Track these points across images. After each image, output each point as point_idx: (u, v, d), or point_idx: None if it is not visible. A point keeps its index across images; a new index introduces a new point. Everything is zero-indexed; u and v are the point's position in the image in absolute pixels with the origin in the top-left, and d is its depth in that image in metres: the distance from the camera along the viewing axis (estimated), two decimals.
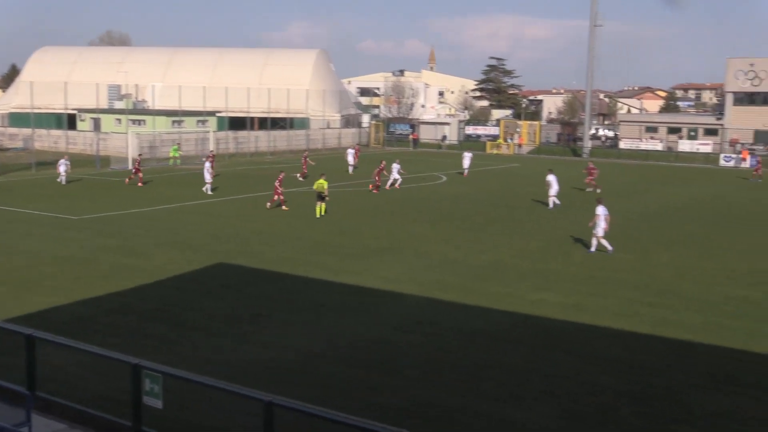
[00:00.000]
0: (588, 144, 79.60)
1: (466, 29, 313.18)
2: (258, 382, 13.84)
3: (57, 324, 17.10)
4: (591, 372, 14.91)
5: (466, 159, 53.55)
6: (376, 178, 42.97)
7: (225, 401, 11.96)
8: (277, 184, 35.64)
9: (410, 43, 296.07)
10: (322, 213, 32.99)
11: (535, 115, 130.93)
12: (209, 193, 40.00)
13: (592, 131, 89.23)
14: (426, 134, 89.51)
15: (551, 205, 37.23)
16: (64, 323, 17.28)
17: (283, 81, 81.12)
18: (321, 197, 33.00)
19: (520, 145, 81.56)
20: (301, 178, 47.08)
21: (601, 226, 26.31)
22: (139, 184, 43.62)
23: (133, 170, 44.91)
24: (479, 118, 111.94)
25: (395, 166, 44.70)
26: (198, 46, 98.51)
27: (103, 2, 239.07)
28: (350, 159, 53.90)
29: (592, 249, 26.47)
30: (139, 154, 47.12)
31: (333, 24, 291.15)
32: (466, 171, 53.09)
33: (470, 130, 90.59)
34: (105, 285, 20.86)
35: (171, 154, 57.37)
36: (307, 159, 49.97)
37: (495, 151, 78.78)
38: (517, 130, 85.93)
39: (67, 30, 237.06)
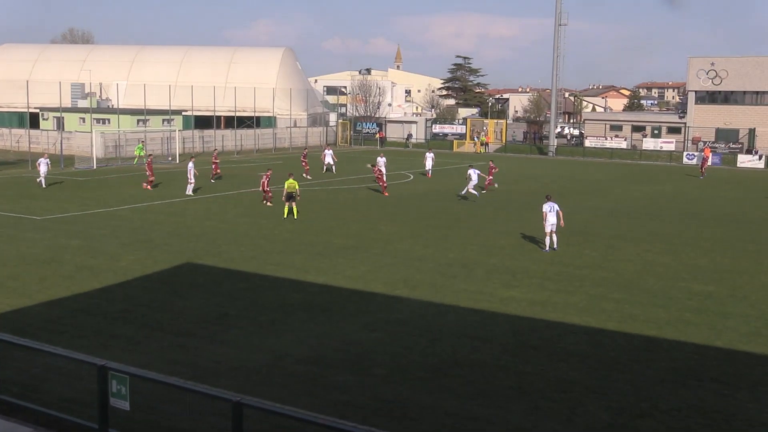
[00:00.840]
0: (553, 142, 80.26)
1: (432, 28, 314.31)
2: (226, 382, 13.77)
3: (21, 326, 16.85)
4: (559, 368, 15.03)
5: (428, 160, 52.39)
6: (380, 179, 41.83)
7: (193, 402, 11.87)
8: (264, 181, 35.63)
9: (376, 41, 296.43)
10: (293, 214, 32.37)
11: (501, 114, 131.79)
12: (189, 193, 39.34)
13: (558, 129, 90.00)
14: (393, 133, 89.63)
15: (467, 191, 39.39)
16: (28, 325, 17.03)
17: (249, 79, 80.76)
18: (291, 197, 32.58)
19: (486, 144, 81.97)
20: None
21: (549, 222, 26.22)
22: (148, 186, 41.54)
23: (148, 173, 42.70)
24: (446, 116, 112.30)
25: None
26: (163, 44, 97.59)
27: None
28: (328, 159, 52.89)
29: (546, 248, 26.51)
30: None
31: (299, 22, 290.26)
32: (429, 172, 52.14)
33: (437, 128, 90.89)
34: (70, 286, 20.60)
35: (136, 153, 56.82)
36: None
37: (481, 151, 79.40)
38: (484, 128, 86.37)
39: (29, 27, 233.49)
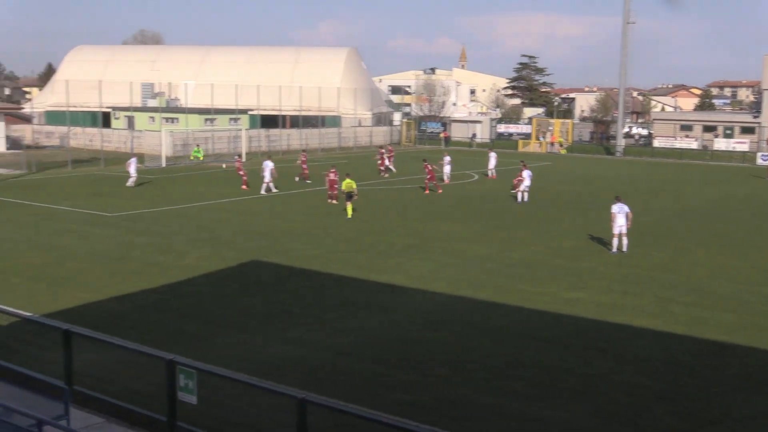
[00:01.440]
0: (621, 142, 78.88)
1: (497, 27, 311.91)
2: (291, 379, 13.90)
3: (92, 320, 17.30)
4: (626, 372, 14.76)
5: (492, 159, 51.48)
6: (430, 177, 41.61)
7: (258, 398, 12.01)
8: (332, 179, 36.59)
9: (441, 40, 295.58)
10: (351, 212, 32.69)
11: (567, 114, 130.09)
12: (263, 192, 39.48)
13: (626, 129, 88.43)
14: (457, 132, 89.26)
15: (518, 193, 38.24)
16: (99, 319, 17.49)
17: (314, 79, 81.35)
18: (350, 196, 32.86)
19: (552, 144, 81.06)
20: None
21: (617, 224, 25.76)
22: (245, 186, 41.60)
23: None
24: (511, 116, 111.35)
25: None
26: (230, 45, 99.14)
27: (136, 1, 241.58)
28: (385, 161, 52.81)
29: (614, 249, 26.00)
30: (237, 157, 45.85)
31: (364, 22, 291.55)
32: (491, 172, 51.13)
33: (502, 128, 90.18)
34: (139, 281, 21.07)
35: (192, 156, 56.89)
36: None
37: (563, 151, 78.46)
38: (549, 128, 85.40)
39: (102, 29, 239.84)
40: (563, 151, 78.51)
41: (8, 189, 40.12)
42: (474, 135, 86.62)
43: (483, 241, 27.80)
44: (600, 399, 13.44)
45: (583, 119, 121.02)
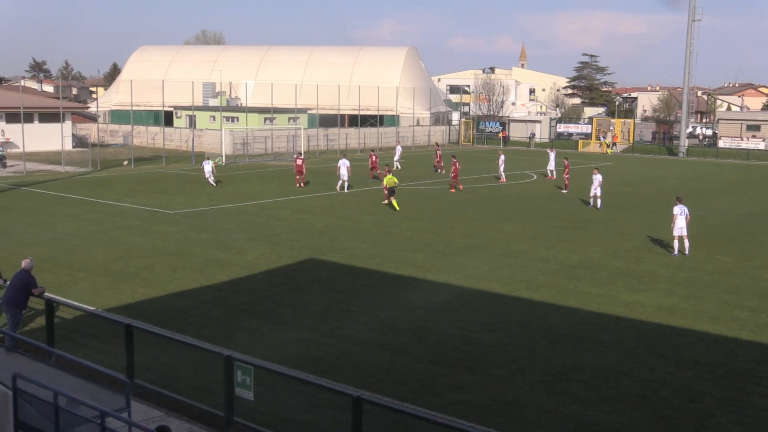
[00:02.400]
0: (684, 142, 77.32)
1: (558, 25, 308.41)
2: (346, 377, 13.95)
3: (153, 315, 17.63)
4: (688, 377, 14.44)
5: (551, 159, 50.30)
6: (453, 177, 41.68)
7: (314, 395, 12.08)
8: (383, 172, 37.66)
9: (501, 40, 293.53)
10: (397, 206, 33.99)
11: (628, 113, 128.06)
12: (343, 190, 40.27)
13: (689, 129, 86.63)
14: (516, 132, 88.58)
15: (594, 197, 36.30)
16: (160, 314, 17.80)
17: (373, 78, 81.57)
18: (392, 192, 34.33)
19: (613, 144, 79.85)
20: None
21: (678, 226, 25.34)
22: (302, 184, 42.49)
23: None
24: (571, 115, 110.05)
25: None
26: (290, 45, 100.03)
27: (198, 2, 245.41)
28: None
29: (675, 252, 25.51)
30: (300, 154, 46.39)
31: (423, 21, 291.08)
32: (551, 172, 50.09)
33: (562, 128, 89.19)
34: (199, 278, 21.39)
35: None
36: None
37: (609, 151, 77.40)
38: (610, 128, 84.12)
39: (165, 30, 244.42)
40: (609, 151, 77.39)
41: (74, 186, 41.15)
42: (533, 134, 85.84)
43: (542, 241, 27.50)
44: (660, 405, 13.17)
45: (645, 119, 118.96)
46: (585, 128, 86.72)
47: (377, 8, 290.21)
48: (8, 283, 15.60)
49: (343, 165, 41.18)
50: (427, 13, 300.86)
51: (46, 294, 15.59)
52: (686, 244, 25.46)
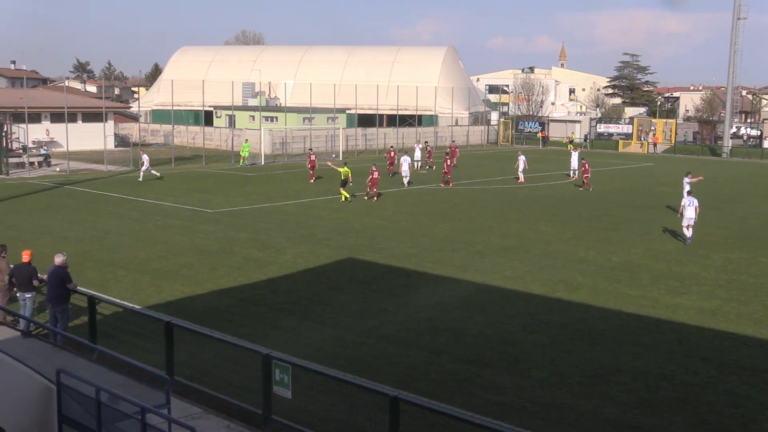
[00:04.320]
0: (728, 143, 76.08)
1: (599, 24, 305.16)
2: (383, 376, 13.96)
3: (193, 312, 17.81)
4: (730, 382, 14.20)
5: (574, 160, 49.18)
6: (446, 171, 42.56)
7: (351, 394, 12.09)
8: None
9: (540, 39, 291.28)
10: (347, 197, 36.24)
11: (670, 113, 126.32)
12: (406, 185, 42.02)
13: (733, 129, 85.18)
14: (555, 132, 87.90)
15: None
16: (199, 312, 17.97)
17: (411, 78, 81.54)
18: (344, 183, 36.32)
19: (654, 144, 78.88)
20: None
21: (687, 216, 27.11)
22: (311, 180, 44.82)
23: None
24: (611, 116, 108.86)
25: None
26: (328, 45, 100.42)
27: (238, 3, 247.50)
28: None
29: (688, 240, 27.21)
30: (336, 155, 49.02)
31: (462, 21, 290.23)
32: (573, 172, 49.23)
33: (602, 128, 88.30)
34: (238, 276, 21.56)
35: (242, 153, 55.86)
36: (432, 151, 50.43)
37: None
38: (652, 128, 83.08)
39: (205, 31, 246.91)
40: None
41: (116, 184, 41.73)
42: (572, 134, 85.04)
43: (581, 242, 27.25)
44: (703, 409, 12.96)
45: (688, 119, 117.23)
46: (626, 128, 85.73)
47: (416, 8, 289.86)
48: (46, 280, 15.79)
49: (405, 162, 43.12)
50: (467, 13, 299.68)
51: (88, 291, 15.82)
52: (690, 232, 27.20)
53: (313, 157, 45.27)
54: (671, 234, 29.13)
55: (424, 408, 10.60)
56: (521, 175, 46.46)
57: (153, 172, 44.40)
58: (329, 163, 42.46)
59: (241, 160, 55.25)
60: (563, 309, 18.88)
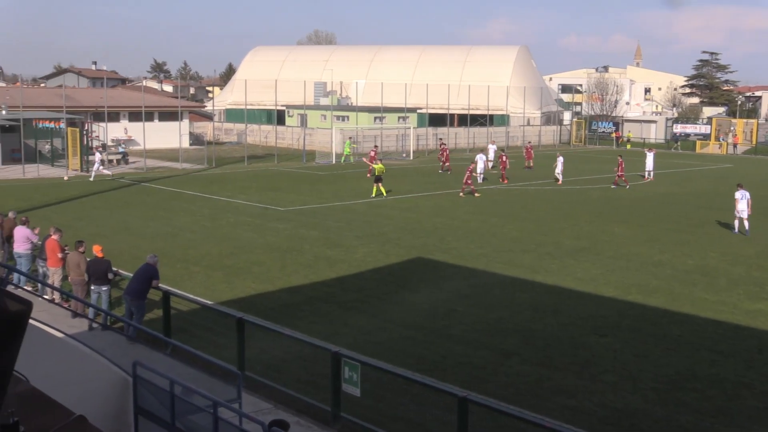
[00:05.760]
0: None
1: (676, 22, 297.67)
2: (452, 377, 13.90)
3: (264, 309, 18.04)
4: None
5: (649, 160, 48.37)
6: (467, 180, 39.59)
7: (420, 394, 12.08)
8: (468, 173, 38.61)
9: (615, 37, 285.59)
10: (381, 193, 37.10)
11: (752, 113, 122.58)
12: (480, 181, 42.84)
13: None
14: (630, 132, 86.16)
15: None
16: (270, 309, 18.19)
17: (483, 78, 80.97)
18: (379, 179, 37.34)
19: (735, 145, 76.64)
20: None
21: (739, 209, 28.81)
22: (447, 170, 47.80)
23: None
24: (688, 115, 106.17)
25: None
26: (400, 44, 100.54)
27: (311, 3, 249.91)
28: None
29: (735, 230, 28.99)
30: (444, 144, 53.18)
31: (535, 20, 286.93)
32: (649, 173, 48.16)
33: (678, 128, 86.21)
34: (308, 274, 21.75)
35: (345, 151, 57.55)
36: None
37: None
38: (731, 128, 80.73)
39: (279, 31, 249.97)
40: (629, 146, 76.24)
41: (190, 182, 42.59)
42: (628, 135, 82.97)
43: (656, 245, 26.65)
44: None
45: None
46: (704, 129, 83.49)
47: (488, 7, 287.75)
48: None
49: (480, 159, 44.40)
50: (539, 12, 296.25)
51: (163, 286, 16.20)
52: (746, 225, 28.68)
53: (372, 153, 46.01)
54: (751, 237, 28.26)
55: (493, 409, 10.52)
56: (560, 177, 45.54)
57: (104, 171, 43.37)
58: (365, 160, 43.55)
59: (343, 158, 56.76)
60: (636, 313, 18.50)
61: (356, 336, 16.34)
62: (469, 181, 38.19)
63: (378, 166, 38.23)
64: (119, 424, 7.48)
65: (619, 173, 43.06)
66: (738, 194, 29.13)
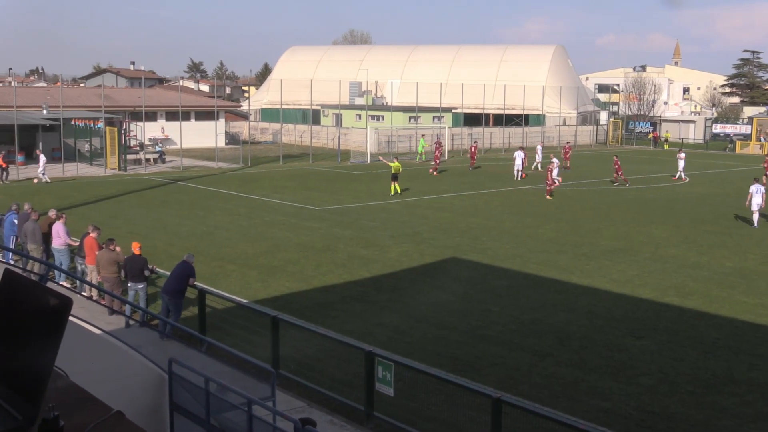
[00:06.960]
0: None
1: (716, 20, 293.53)
2: (486, 377, 13.85)
3: (298, 308, 18.12)
4: None
5: (681, 161, 47.90)
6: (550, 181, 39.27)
7: (454, 394, 12.05)
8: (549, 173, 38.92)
9: (653, 37, 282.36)
10: (397, 191, 37.74)
11: None
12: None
13: None
14: (668, 132, 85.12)
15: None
16: (304, 307, 18.27)
17: (518, 77, 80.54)
18: (395, 177, 37.86)
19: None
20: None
21: (755, 202, 29.82)
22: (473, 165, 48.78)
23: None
24: (728, 115, 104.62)
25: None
26: (435, 44, 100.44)
27: (346, 3, 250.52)
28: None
29: (755, 224, 29.87)
30: (475, 142, 55.02)
31: (571, 19, 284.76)
32: (681, 174, 47.50)
33: (718, 128, 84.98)
34: (343, 273, 21.81)
35: (419, 149, 58.55)
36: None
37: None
38: None
39: (314, 31, 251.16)
40: (666, 146, 75.79)
41: (226, 181, 42.94)
42: (666, 135, 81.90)
43: (693, 246, 26.32)
44: None
45: None
46: (744, 129, 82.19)
47: (524, 6, 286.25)
48: (169, 273, 16.53)
49: (518, 156, 45.82)
50: (576, 11, 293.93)
51: (198, 284, 16.37)
52: (755, 218, 29.91)
53: (437, 151, 49.35)
54: None
55: (527, 411, 10.46)
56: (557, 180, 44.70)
57: (41, 175, 40.73)
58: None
59: (418, 156, 57.86)
60: (673, 315, 18.28)
61: (390, 335, 16.35)
62: (549, 181, 38.15)
63: (395, 165, 38.50)
64: (155, 420, 7.57)
65: (618, 172, 43.30)
66: (753, 188, 30.39)
